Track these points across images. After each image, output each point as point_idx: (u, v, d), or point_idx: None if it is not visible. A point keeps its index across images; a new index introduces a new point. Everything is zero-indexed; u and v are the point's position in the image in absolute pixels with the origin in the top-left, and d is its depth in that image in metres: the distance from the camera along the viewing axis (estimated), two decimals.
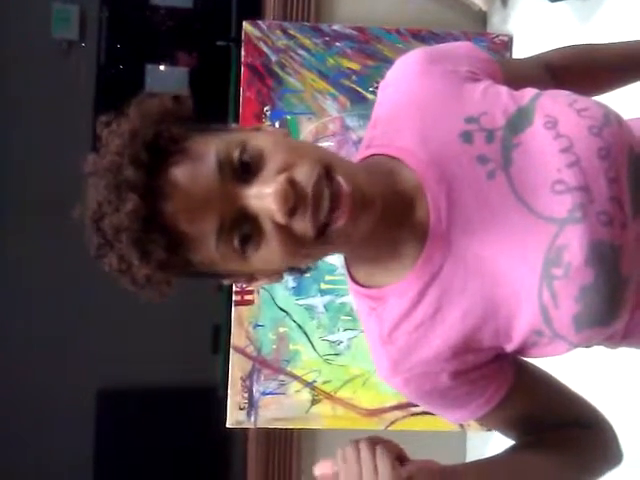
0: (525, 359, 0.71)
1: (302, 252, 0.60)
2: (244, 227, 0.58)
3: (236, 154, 0.58)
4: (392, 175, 0.66)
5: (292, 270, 0.69)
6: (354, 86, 2.19)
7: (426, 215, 0.64)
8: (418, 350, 0.66)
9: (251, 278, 0.65)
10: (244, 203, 0.58)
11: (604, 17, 1.84)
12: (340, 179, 0.57)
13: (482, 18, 2.38)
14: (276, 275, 0.65)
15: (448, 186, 0.64)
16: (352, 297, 0.72)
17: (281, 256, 0.59)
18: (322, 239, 0.58)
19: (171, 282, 0.60)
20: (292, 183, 0.56)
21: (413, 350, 0.66)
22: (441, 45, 0.74)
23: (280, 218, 0.56)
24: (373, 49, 2.19)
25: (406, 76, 0.70)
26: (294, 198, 0.56)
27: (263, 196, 0.57)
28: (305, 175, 0.57)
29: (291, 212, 0.56)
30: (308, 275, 0.76)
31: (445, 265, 0.64)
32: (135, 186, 0.55)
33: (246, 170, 0.58)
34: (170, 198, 0.56)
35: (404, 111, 0.69)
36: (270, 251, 0.58)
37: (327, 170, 0.58)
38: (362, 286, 0.69)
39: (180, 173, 0.57)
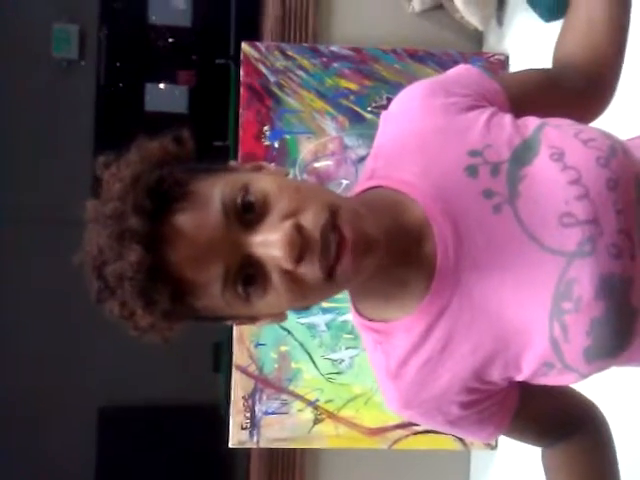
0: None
1: (308, 296, 0.60)
2: (250, 275, 0.57)
3: (240, 199, 0.57)
4: (397, 209, 0.65)
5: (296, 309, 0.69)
6: (352, 106, 2.20)
7: (433, 250, 0.64)
8: (428, 385, 0.66)
9: (253, 319, 0.65)
10: (250, 251, 0.57)
11: None
12: (344, 225, 0.57)
13: (478, 38, 2.40)
14: (280, 315, 0.65)
15: (454, 221, 0.64)
16: (357, 329, 0.72)
17: (288, 301, 0.59)
18: (330, 281, 0.57)
19: (173, 327, 0.59)
20: (299, 229, 0.56)
21: (423, 385, 0.66)
22: (443, 76, 0.73)
23: (287, 265, 0.55)
24: (370, 69, 2.20)
25: (408, 110, 0.70)
26: (301, 244, 0.55)
27: (269, 244, 0.56)
28: (312, 221, 0.56)
29: (298, 258, 0.56)
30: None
31: (453, 300, 0.64)
32: (139, 236, 0.54)
33: (250, 215, 0.57)
34: (175, 246, 0.55)
35: (407, 145, 0.68)
36: (277, 297, 0.58)
37: (332, 214, 0.57)
38: (367, 319, 0.69)
39: (184, 220, 0.56)
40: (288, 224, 0.56)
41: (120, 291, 0.56)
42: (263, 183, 0.59)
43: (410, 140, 0.68)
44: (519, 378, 0.67)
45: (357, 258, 0.57)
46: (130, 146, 0.60)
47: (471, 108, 0.68)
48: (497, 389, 0.67)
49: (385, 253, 0.61)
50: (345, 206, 0.59)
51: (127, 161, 0.59)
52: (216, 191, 0.58)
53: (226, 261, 0.56)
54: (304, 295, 0.59)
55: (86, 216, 0.59)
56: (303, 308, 0.69)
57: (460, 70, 0.73)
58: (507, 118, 0.68)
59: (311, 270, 0.56)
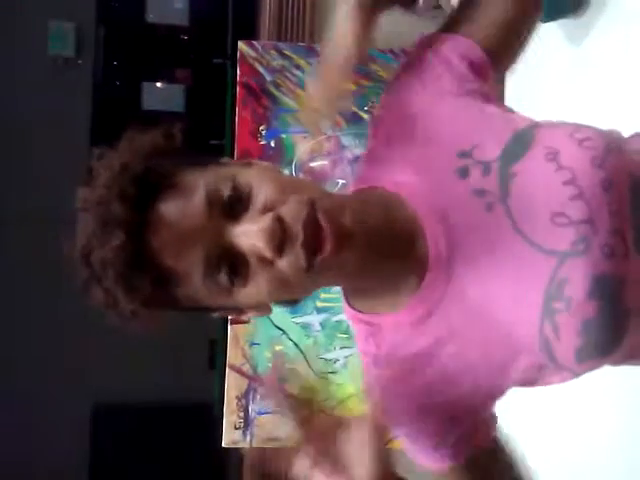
0: (501, 438, 0.70)
1: (290, 287, 0.60)
2: (231, 264, 0.58)
3: (224, 190, 0.58)
4: (388, 209, 0.66)
5: (281, 302, 0.69)
6: None
7: (425, 249, 0.64)
8: (411, 379, 0.66)
9: (239, 311, 0.65)
10: (231, 240, 0.58)
11: (595, 37, 1.86)
12: (321, 216, 0.58)
13: None
14: (264, 308, 0.65)
15: (446, 220, 0.64)
16: (349, 322, 0.72)
17: (268, 292, 0.59)
18: (310, 272, 0.58)
19: (157, 317, 0.60)
20: (279, 221, 0.57)
21: (405, 378, 0.66)
22: (413, 62, 0.70)
23: (267, 253, 0.57)
24: (367, 69, 2.20)
25: (392, 113, 0.70)
26: (281, 235, 0.56)
27: (250, 234, 0.57)
28: (292, 213, 0.57)
29: (279, 249, 0.57)
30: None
31: (445, 299, 0.64)
32: (121, 222, 0.55)
33: (234, 206, 0.58)
34: (157, 233, 0.57)
35: (397, 146, 0.69)
36: (257, 287, 0.59)
37: (312, 207, 0.58)
38: (360, 311, 0.69)
39: (168, 208, 0.57)
40: (268, 216, 0.57)
41: (104, 278, 0.57)
42: (248, 176, 0.60)
43: (399, 141, 0.69)
44: (510, 382, 0.66)
45: (333, 249, 0.58)
46: (121, 138, 0.61)
47: (455, 91, 0.67)
48: (472, 409, 0.66)
49: (366, 248, 0.61)
50: (324, 199, 0.60)
51: (116, 151, 0.60)
52: (202, 182, 0.59)
53: (207, 249, 0.57)
54: (284, 286, 0.59)
55: (77, 203, 0.60)
56: (290, 303, 0.69)
57: (425, 48, 0.70)
58: (496, 112, 0.67)
59: (294, 260, 0.57)
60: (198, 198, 0.58)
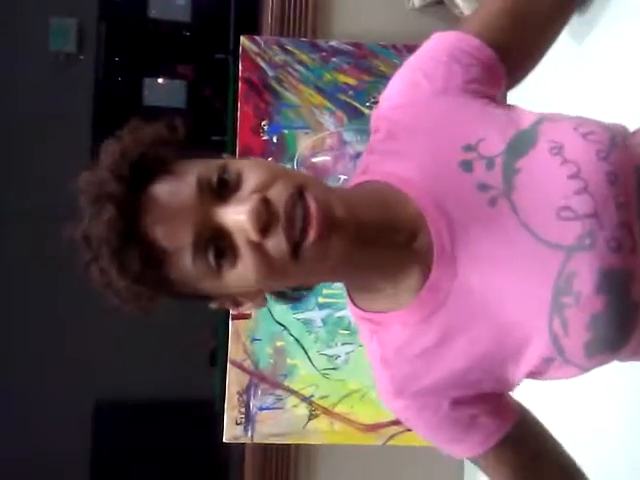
0: (527, 410, 0.70)
1: (278, 272, 0.60)
2: (219, 244, 0.58)
3: (215, 177, 0.59)
4: (389, 203, 0.65)
5: (278, 295, 0.69)
6: (351, 101, 2.20)
7: (428, 244, 0.64)
8: (421, 377, 0.66)
9: (235, 302, 0.65)
10: (220, 221, 0.59)
11: (599, 34, 1.86)
12: (310, 200, 0.58)
13: None
14: (259, 299, 0.65)
15: (448, 215, 0.63)
16: (354, 322, 0.72)
17: (256, 274, 0.59)
18: (297, 259, 0.58)
19: (153, 298, 0.61)
20: (266, 202, 0.57)
21: (416, 376, 0.66)
22: (420, 60, 0.70)
23: (254, 236, 0.57)
24: (369, 64, 2.20)
25: (395, 106, 0.70)
26: (267, 216, 0.57)
27: (238, 214, 0.58)
28: (278, 195, 0.58)
29: (264, 230, 0.57)
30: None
31: (451, 294, 0.63)
32: (113, 197, 0.57)
33: (224, 190, 0.59)
34: (148, 211, 0.58)
35: (399, 140, 0.68)
36: (245, 269, 0.59)
37: (300, 191, 0.58)
38: (364, 310, 0.69)
39: (160, 189, 0.59)
40: (255, 197, 0.57)
41: (100, 258, 0.58)
42: (239, 163, 0.61)
43: (402, 135, 0.68)
44: (519, 375, 0.65)
45: (323, 232, 0.57)
46: (124, 126, 0.63)
47: (461, 90, 0.67)
48: (492, 393, 0.66)
49: (356, 240, 0.60)
50: (314, 186, 0.60)
51: (118, 139, 0.62)
52: (194, 170, 0.60)
53: (197, 229, 0.58)
54: (272, 270, 0.59)
55: (78, 187, 0.62)
56: (290, 298, 0.69)
57: (435, 47, 0.69)
58: (500, 110, 0.67)
59: (277, 243, 0.57)
60: (189, 182, 0.59)
